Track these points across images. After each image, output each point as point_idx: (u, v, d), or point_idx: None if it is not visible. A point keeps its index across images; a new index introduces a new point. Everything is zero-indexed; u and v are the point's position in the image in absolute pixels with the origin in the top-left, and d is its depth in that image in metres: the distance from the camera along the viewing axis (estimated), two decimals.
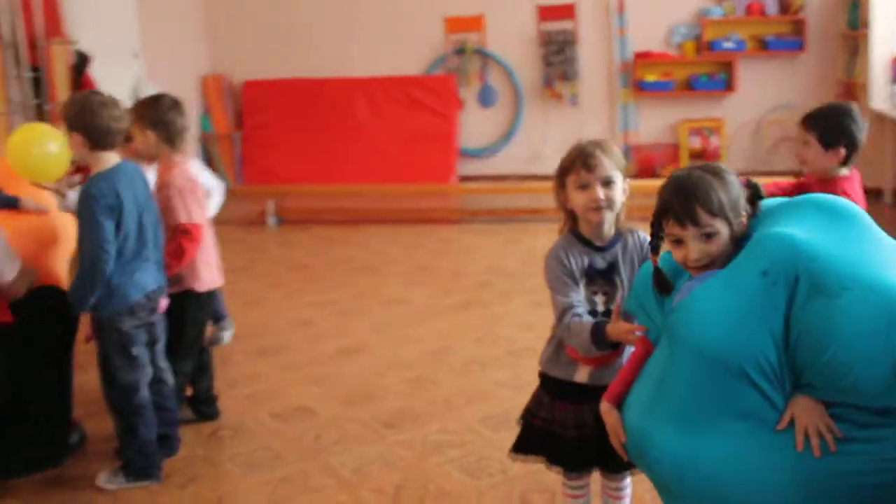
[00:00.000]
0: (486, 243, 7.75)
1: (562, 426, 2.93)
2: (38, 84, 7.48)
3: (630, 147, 9.62)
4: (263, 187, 9.55)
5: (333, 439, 4.18)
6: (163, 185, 3.99)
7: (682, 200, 2.27)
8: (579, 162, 2.80)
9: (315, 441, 4.17)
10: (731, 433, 2.16)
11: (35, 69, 7.46)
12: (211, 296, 4.26)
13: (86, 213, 3.56)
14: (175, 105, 4.17)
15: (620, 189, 2.84)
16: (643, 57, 9.50)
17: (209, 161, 10.28)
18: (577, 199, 2.82)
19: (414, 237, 8.05)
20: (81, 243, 3.60)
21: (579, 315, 2.77)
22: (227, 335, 5.51)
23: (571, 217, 2.91)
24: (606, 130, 9.56)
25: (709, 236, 2.27)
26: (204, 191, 5.43)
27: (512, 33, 9.82)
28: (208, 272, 4.18)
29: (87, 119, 3.59)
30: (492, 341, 5.36)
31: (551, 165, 3.08)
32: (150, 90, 8.94)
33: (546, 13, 9.66)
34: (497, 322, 5.69)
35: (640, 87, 9.52)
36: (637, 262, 2.85)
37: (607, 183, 2.79)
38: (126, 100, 8.66)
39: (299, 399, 4.65)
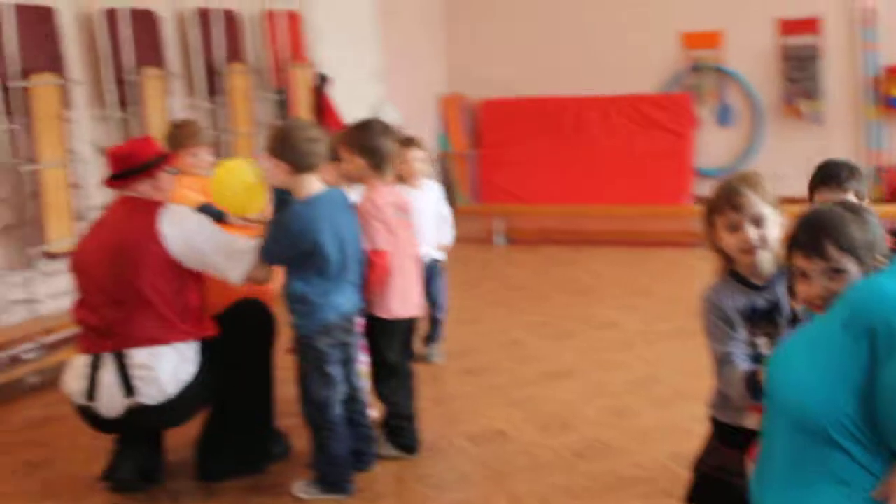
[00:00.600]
0: (711, 268, 7.47)
1: (732, 473, 2.80)
2: (282, 105, 7.93)
3: (879, 168, 9.04)
4: (493, 206, 9.68)
5: (522, 466, 4.17)
6: (360, 211, 4.10)
7: (812, 231, 2.16)
8: (725, 201, 2.68)
9: (504, 466, 4.18)
10: (829, 498, 1.99)
11: (279, 91, 7.92)
12: (401, 324, 4.29)
13: (276, 224, 3.79)
14: (385, 131, 4.24)
15: (775, 225, 2.68)
16: (895, 72, 8.91)
17: (446, 179, 10.52)
18: (728, 241, 2.69)
19: (638, 259, 7.93)
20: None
21: (734, 364, 2.63)
22: (436, 354, 5.62)
23: (726, 257, 2.79)
24: (852, 150, 9.01)
25: (836, 273, 2.13)
26: (441, 217, 5.58)
27: (751, 49, 9.46)
28: (399, 301, 4.19)
29: (287, 145, 3.78)
30: (700, 373, 5.15)
31: (793, 187, 2.96)
32: (389, 109, 9.29)
33: (788, 27, 9.24)
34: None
35: (891, 104, 8.94)
36: None
37: (758, 221, 2.65)
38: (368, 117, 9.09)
39: (496, 422, 4.67)
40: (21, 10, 5.82)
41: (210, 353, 3.94)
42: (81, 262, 3.98)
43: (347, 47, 8.95)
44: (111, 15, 6.43)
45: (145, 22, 6.70)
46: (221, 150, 7.39)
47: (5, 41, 5.71)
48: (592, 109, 10.01)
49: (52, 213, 6.01)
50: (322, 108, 8.24)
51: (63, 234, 6.09)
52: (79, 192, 6.21)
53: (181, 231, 3.85)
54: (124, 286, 3.79)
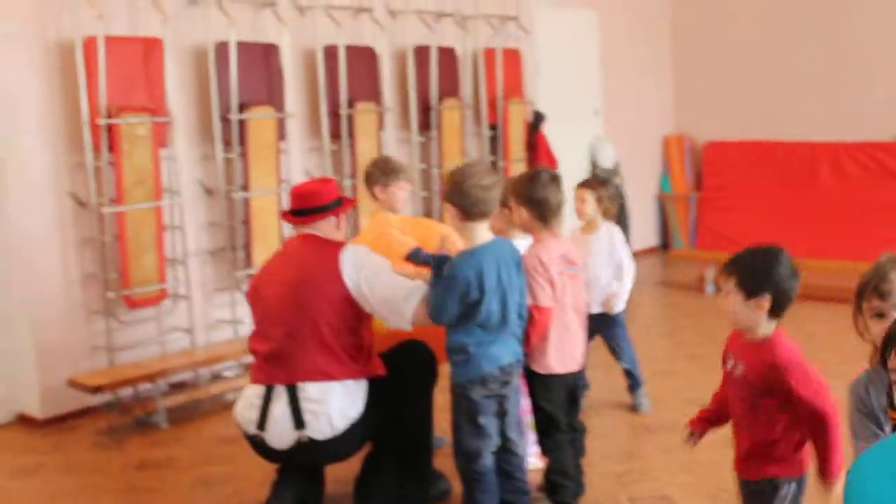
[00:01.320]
0: None
1: None
2: (495, 141, 7.96)
3: None
4: (708, 252, 9.32)
5: None
6: (525, 265, 4.01)
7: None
8: (872, 287, 2.42)
9: None
10: None
11: (492, 127, 7.95)
12: (560, 379, 4.16)
13: (447, 276, 3.74)
14: (552, 182, 4.10)
15: None
16: None
17: (665, 222, 10.25)
18: (875, 330, 2.43)
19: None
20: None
21: None
22: (641, 403, 5.48)
23: (875, 345, 2.52)
24: None
25: None
26: (616, 264, 5.41)
27: None
28: (558, 358, 4.06)
29: (459, 190, 3.76)
30: None
31: None
32: (606, 147, 9.17)
33: None
34: None
35: None
36: None
37: None
38: (584, 155, 9.01)
39: (666, 486, 4.45)
40: (244, 48, 6.13)
41: (376, 392, 3.97)
42: (260, 294, 4.07)
43: (567, 84, 8.91)
44: (331, 52, 6.66)
45: (363, 58, 6.90)
46: (431, 184, 7.52)
47: (228, 76, 6.03)
48: (823, 156, 9.45)
49: (260, 238, 6.27)
50: (535, 144, 8.22)
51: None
52: None
53: (360, 272, 3.89)
54: (301, 321, 3.86)
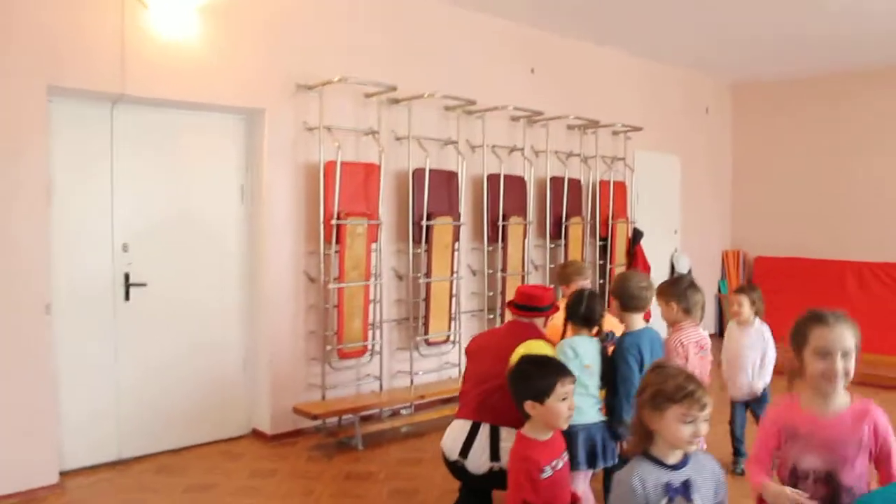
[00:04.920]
0: None
1: None
2: (605, 250, 7.80)
3: None
4: None
5: None
6: (667, 346, 3.85)
7: None
8: None
9: None
10: None
11: (603, 239, 7.80)
12: None
13: (619, 358, 3.59)
14: (692, 285, 4.02)
15: None
16: None
17: (721, 315, 9.89)
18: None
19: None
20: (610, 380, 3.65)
21: None
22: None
23: None
24: None
25: None
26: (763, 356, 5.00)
27: None
28: None
29: (623, 289, 3.66)
30: None
31: None
32: (683, 258, 8.90)
33: None
34: None
35: None
36: None
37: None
38: (666, 264, 8.76)
39: None
40: (433, 173, 6.15)
41: None
42: (479, 355, 3.99)
43: (656, 210, 8.73)
44: (493, 179, 6.64)
45: (515, 184, 6.86)
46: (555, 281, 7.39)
47: (422, 193, 6.05)
48: (850, 272, 9.06)
49: (436, 313, 6.21)
50: (635, 254, 8.03)
51: (440, 328, 6.27)
52: (455, 300, 6.39)
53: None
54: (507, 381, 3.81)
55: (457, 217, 6.31)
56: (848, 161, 9.18)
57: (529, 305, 3.96)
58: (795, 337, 2.53)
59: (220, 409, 5.49)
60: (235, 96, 5.22)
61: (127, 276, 5.01)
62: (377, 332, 5.92)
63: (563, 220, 7.28)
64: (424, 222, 6.06)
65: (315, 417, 5.29)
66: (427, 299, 6.17)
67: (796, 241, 9.53)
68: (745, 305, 5.04)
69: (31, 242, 4.40)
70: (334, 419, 5.62)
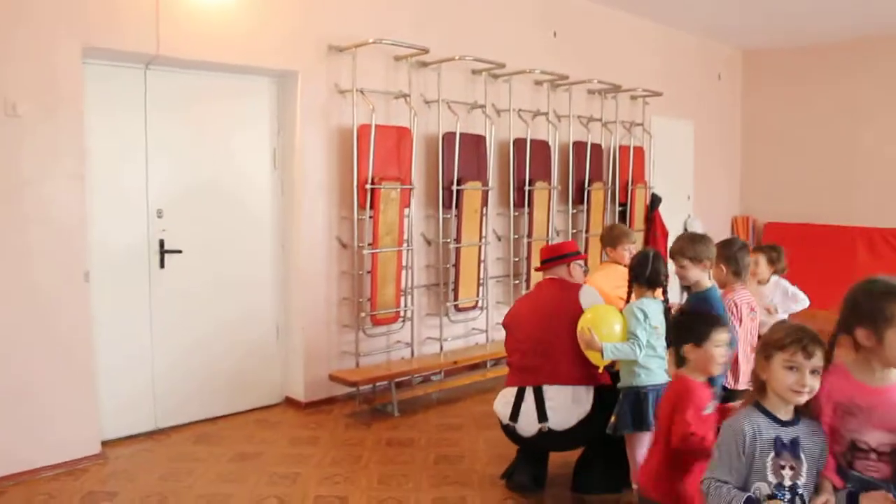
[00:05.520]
0: None
1: None
2: (624, 215, 7.71)
3: None
4: None
5: None
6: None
7: None
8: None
9: None
10: None
11: (622, 205, 7.71)
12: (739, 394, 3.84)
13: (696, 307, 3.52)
14: (743, 247, 3.98)
15: None
16: None
17: None
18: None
19: None
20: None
21: None
22: None
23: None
24: None
25: None
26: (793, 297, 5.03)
27: None
28: (743, 379, 3.77)
29: (687, 248, 3.57)
30: None
31: None
32: (696, 222, 8.83)
33: None
34: None
35: None
36: None
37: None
38: (679, 230, 8.69)
39: None
40: (464, 137, 6.02)
41: (600, 398, 3.77)
42: (518, 322, 3.96)
43: (671, 176, 8.63)
44: (519, 143, 6.51)
45: (540, 148, 6.73)
46: (581, 242, 7.30)
47: (452, 157, 5.92)
48: (860, 238, 9.05)
49: (465, 278, 6.11)
50: (653, 220, 7.95)
51: (469, 294, 6.18)
52: (483, 265, 6.29)
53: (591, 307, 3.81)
54: (549, 341, 3.76)
55: (485, 182, 6.18)
56: (858, 127, 9.12)
57: (551, 256, 4.00)
58: (870, 314, 2.25)
59: (253, 378, 5.38)
60: (269, 58, 5.05)
61: (162, 243, 4.86)
62: (408, 299, 5.81)
63: (586, 185, 7.17)
64: (455, 187, 5.93)
65: (354, 384, 5.20)
66: (457, 265, 6.06)
67: (806, 207, 9.48)
68: (760, 264, 5.00)
69: (69, 208, 4.23)
70: (367, 386, 5.52)
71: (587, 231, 7.24)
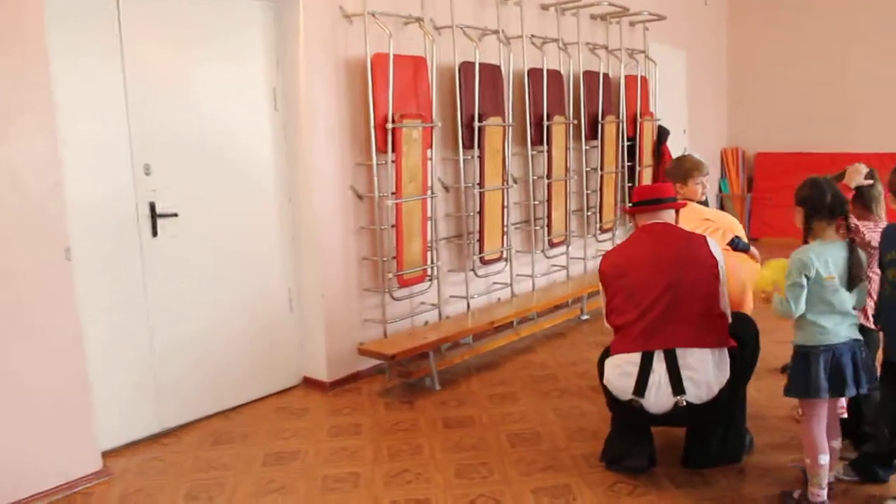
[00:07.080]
0: None
1: None
2: (633, 151, 6.99)
3: None
4: (761, 240, 8.42)
5: None
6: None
7: None
8: None
9: None
10: None
11: (630, 139, 6.98)
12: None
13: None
14: (871, 175, 3.39)
15: None
16: None
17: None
18: None
19: None
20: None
21: None
22: None
23: None
24: None
25: None
26: None
27: None
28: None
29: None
30: None
31: None
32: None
33: None
34: None
35: None
36: None
37: None
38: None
39: None
40: (483, 67, 5.14)
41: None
42: (627, 274, 3.14)
43: (671, 110, 7.94)
44: (535, 74, 5.67)
45: (555, 80, 5.90)
46: (591, 183, 6.56)
47: (473, 92, 5.04)
48: (848, 164, 8.57)
49: (490, 227, 5.30)
50: (661, 154, 7.26)
51: (494, 245, 5.38)
52: (506, 211, 5.48)
53: (721, 257, 3.08)
54: (681, 296, 3.02)
55: (505, 118, 5.34)
56: (846, 49, 8.63)
57: (659, 198, 3.27)
58: None
59: (267, 359, 4.48)
60: None
61: (153, 207, 3.87)
62: (434, 254, 4.97)
63: (600, 118, 6.39)
64: (476, 124, 5.07)
65: (391, 358, 4.34)
66: (481, 212, 5.23)
67: (799, 136, 8.98)
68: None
69: (39, 172, 3.21)
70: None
71: (601, 169, 6.49)
